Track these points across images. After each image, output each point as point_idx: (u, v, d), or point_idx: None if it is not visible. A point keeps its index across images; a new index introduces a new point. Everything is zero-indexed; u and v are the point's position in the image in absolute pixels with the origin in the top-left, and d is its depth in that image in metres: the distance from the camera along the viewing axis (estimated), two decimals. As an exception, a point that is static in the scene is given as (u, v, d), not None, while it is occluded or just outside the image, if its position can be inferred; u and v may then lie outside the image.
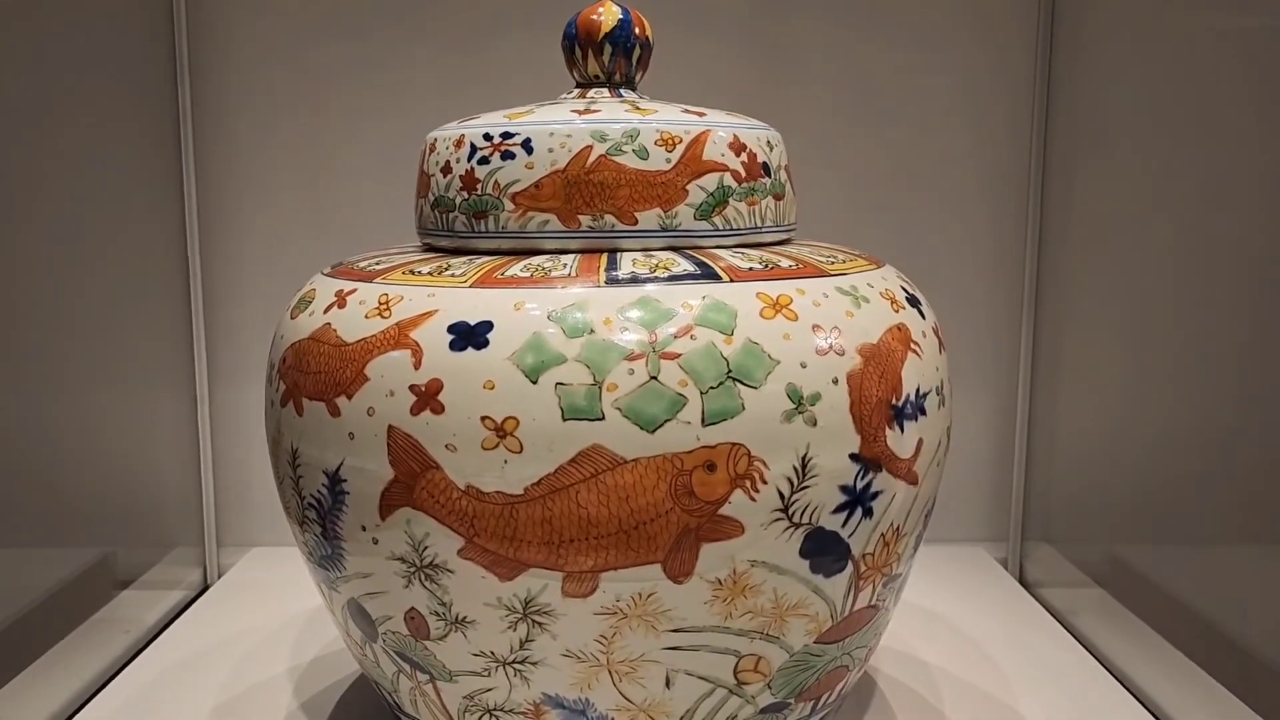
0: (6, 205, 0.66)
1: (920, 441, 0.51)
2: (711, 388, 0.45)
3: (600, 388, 0.45)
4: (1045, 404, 0.88)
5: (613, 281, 0.48)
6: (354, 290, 0.51)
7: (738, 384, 0.45)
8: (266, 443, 0.56)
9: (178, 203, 0.87)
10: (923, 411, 0.51)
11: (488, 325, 0.46)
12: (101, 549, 0.78)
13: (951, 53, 0.87)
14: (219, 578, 0.89)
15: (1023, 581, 0.89)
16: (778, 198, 0.56)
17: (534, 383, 0.45)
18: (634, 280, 0.48)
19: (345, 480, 0.49)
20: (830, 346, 0.47)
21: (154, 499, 0.85)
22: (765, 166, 0.55)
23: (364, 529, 0.49)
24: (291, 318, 0.54)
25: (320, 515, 0.51)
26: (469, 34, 0.85)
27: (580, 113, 0.54)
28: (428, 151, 0.56)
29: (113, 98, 0.78)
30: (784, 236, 0.58)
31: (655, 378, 0.45)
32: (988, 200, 0.88)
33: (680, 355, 0.45)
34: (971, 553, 0.90)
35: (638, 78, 0.59)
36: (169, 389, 0.87)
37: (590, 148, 0.52)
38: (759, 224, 0.55)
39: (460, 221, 0.54)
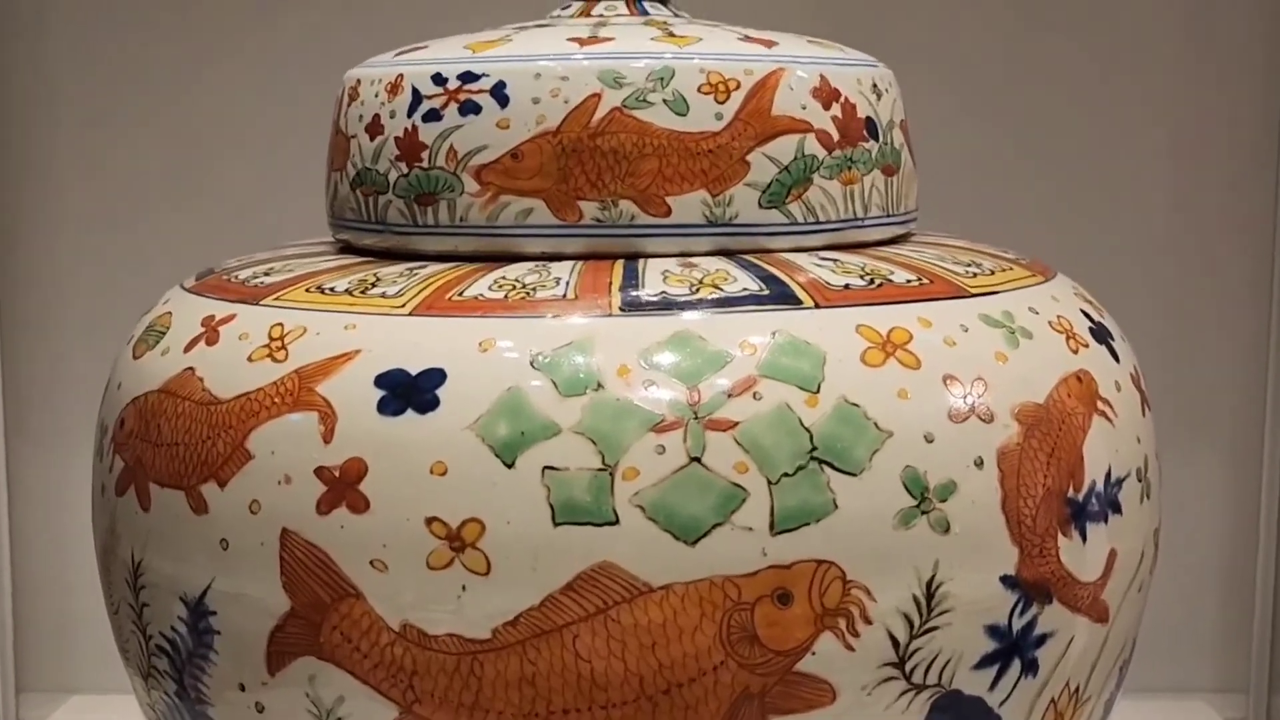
0: None
1: (1112, 554, 0.51)
2: (786, 475, 0.45)
3: (613, 475, 0.45)
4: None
5: (632, 306, 0.48)
6: (231, 317, 0.52)
7: (827, 469, 0.45)
8: (94, 547, 0.56)
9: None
10: (1116, 508, 0.51)
11: (437, 376, 0.47)
12: None
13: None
14: (21, 741, 0.90)
15: (1268, 756, 0.89)
16: (889, 171, 0.56)
17: (509, 465, 0.45)
18: (665, 304, 0.48)
19: (215, 612, 0.49)
20: (972, 408, 0.48)
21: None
22: (870, 124, 0.55)
23: (243, 688, 0.49)
24: (134, 357, 0.54)
25: (175, 665, 0.51)
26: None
27: (583, 42, 0.54)
28: (346, 99, 0.57)
29: None
30: (898, 231, 0.58)
31: (698, 459, 0.45)
32: (1210, 173, 0.88)
33: (737, 424, 0.45)
34: (1191, 712, 0.90)
35: (672, -16, 0.61)
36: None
37: (598, 97, 0.52)
38: (859, 213, 0.55)
39: (396, 209, 0.54)
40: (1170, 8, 0.88)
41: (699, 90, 0.53)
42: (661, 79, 0.53)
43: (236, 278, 0.55)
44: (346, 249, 0.58)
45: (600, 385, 0.46)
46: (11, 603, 0.90)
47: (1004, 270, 0.55)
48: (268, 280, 0.54)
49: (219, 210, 0.88)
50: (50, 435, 0.89)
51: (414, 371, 0.47)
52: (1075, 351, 0.52)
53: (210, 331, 0.51)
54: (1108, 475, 0.51)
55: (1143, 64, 0.87)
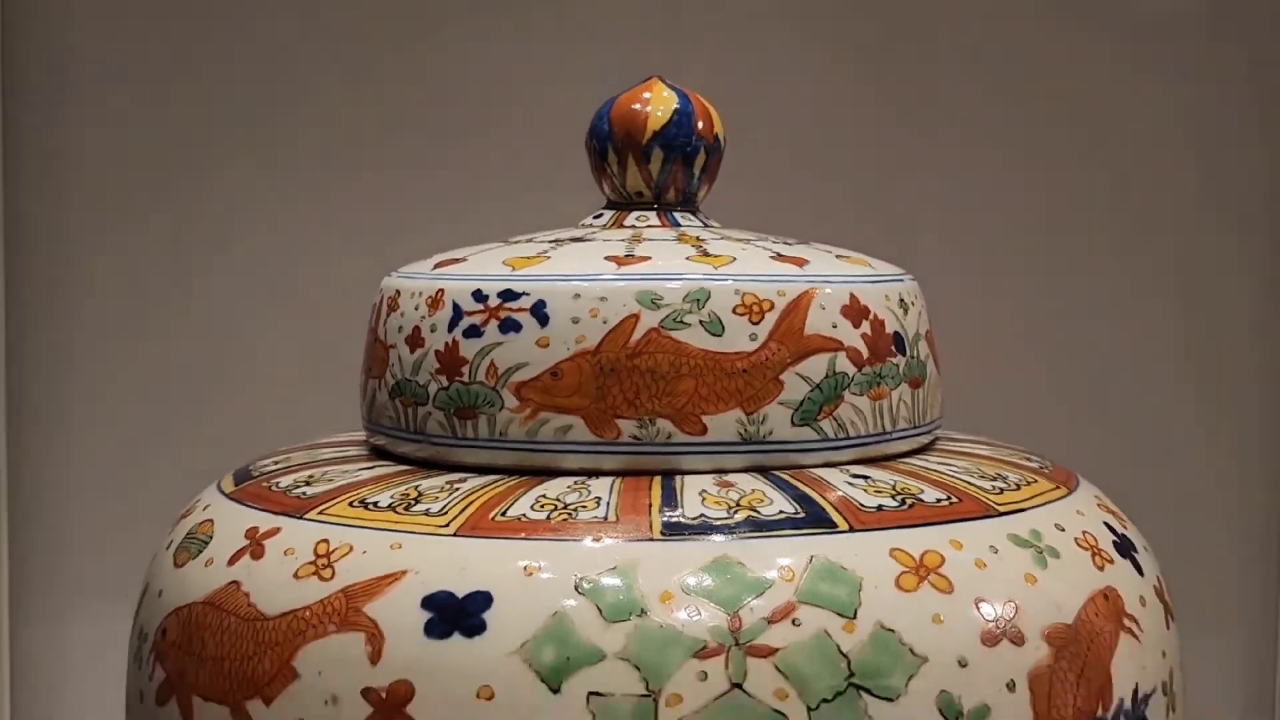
0: None
1: (1140, 771, 0.56)
2: (824, 701, 0.51)
3: (657, 700, 0.50)
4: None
5: (673, 529, 0.54)
6: (275, 530, 0.58)
7: (864, 695, 0.51)
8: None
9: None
10: (1144, 726, 0.56)
11: (483, 599, 0.52)
12: None
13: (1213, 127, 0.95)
14: None
15: None
16: (915, 384, 0.64)
17: (555, 691, 0.51)
18: (704, 528, 0.54)
19: (258, 828, 0.52)
20: (1004, 631, 0.54)
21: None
22: (898, 339, 0.63)
23: None
24: (175, 565, 0.60)
25: None
26: (445, 119, 0.97)
27: (620, 261, 0.62)
28: (385, 309, 0.64)
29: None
30: (924, 441, 0.66)
31: (739, 685, 0.50)
32: (1222, 366, 0.96)
33: (777, 650, 0.51)
34: None
35: (701, 194, 0.69)
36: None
37: (636, 317, 0.60)
38: (888, 427, 0.63)
39: (436, 421, 0.62)
40: (1181, 188, 0.96)
41: (734, 311, 0.60)
42: (698, 300, 0.60)
43: (277, 485, 0.62)
44: (381, 455, 0.65)
45: (644, 611, 0.51)
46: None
47: (1029, 484, 0.62)
48: (309, 491, 0.60)
49: (243, 398, 0.94)
50: (72, 606, 0.96)
51: (460, 594, 0.52)
52: (1101, 568, 0.58)
53: (255, 545, 0.58)
54: (1135, 693, 0.57)
55: (1162, 255, 0.96)
